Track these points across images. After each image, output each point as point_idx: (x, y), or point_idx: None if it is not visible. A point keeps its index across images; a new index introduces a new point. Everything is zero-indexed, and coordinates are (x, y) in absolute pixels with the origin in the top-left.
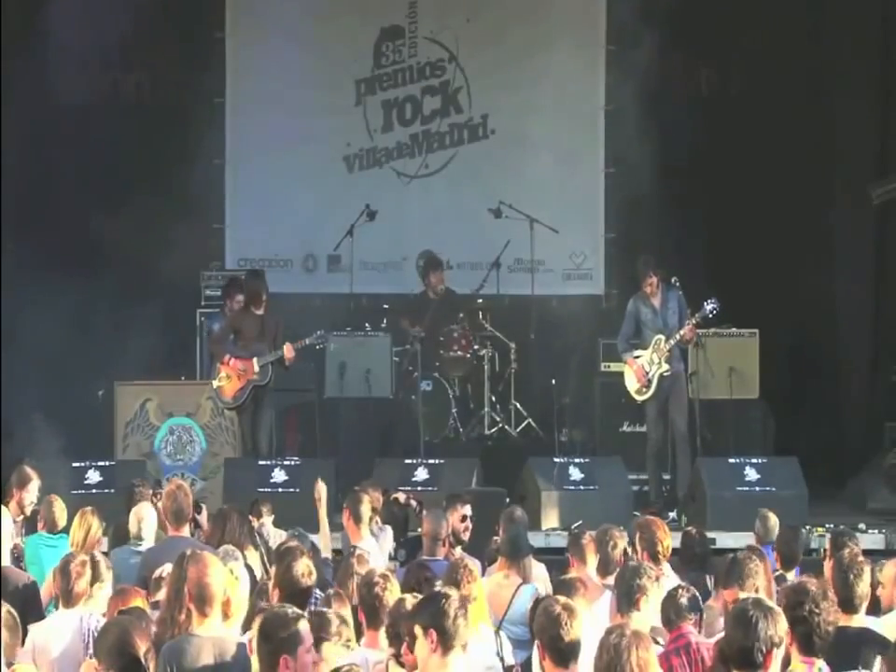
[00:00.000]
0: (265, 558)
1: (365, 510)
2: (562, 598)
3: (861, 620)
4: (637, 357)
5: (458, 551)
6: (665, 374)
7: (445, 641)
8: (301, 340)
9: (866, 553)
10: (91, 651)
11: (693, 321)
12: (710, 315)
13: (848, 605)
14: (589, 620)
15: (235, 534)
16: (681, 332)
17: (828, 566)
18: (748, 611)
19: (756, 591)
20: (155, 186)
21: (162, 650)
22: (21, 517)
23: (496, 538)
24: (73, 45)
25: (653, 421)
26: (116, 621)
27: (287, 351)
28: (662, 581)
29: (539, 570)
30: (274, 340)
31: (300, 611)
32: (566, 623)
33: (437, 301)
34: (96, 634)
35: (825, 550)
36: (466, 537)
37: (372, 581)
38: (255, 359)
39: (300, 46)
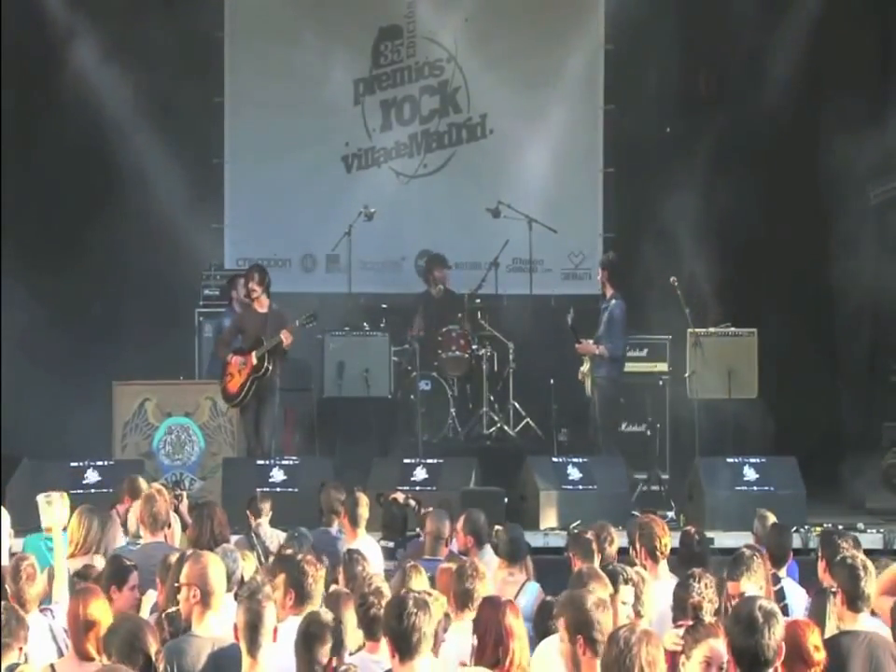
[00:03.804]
0: (261, 557)
1: (363, 511)
2: (594, 594)
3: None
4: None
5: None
6: (589, 376)
7: (398, 647)
8: (291, 325)
9: (864, 552)
10: (68, 647)
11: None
12: (570, 326)
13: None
14: None
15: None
16: None
17: (821, 566)
18: (753, 613)
19: (761, 588)
20: (154, 185)
21: (163, 649)
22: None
23: (497, 528)
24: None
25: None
26: (127, 617)
27: (286, 337)
28: (651, 583)
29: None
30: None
31: None
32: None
33: (436, 300)
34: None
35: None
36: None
37: (368, 599)
38: (253, 353)
39: (298, 46)
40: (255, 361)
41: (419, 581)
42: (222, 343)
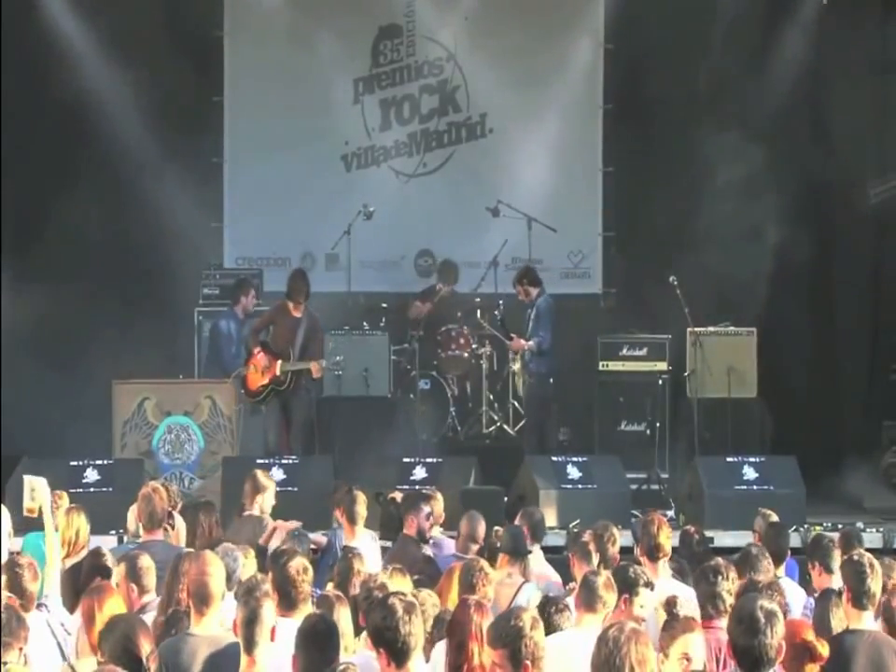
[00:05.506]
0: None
1: (360, 510)
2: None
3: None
4: None
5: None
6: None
7: (395, 656)
8: (319, 360)
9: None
10: (68, 649)
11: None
12: (499, 321)
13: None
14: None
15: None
16: None
17: (814, 572)
18: (755, 613)
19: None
20: (153, 185)
21: (159, 649)
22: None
23: (496, 528)
24: (72, 43)
25: None
26: (123, 617)
27: (315, 370)
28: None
29: (547, 570)
30: (305, 349)
31: None
32: None
33: (436, 300)
34: (65, 628)
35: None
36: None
37: (371, 591)
38: (279, 362)
39: (298, 45)
40: (278, 373)
41: (399, 584)
42: (253, 331)
